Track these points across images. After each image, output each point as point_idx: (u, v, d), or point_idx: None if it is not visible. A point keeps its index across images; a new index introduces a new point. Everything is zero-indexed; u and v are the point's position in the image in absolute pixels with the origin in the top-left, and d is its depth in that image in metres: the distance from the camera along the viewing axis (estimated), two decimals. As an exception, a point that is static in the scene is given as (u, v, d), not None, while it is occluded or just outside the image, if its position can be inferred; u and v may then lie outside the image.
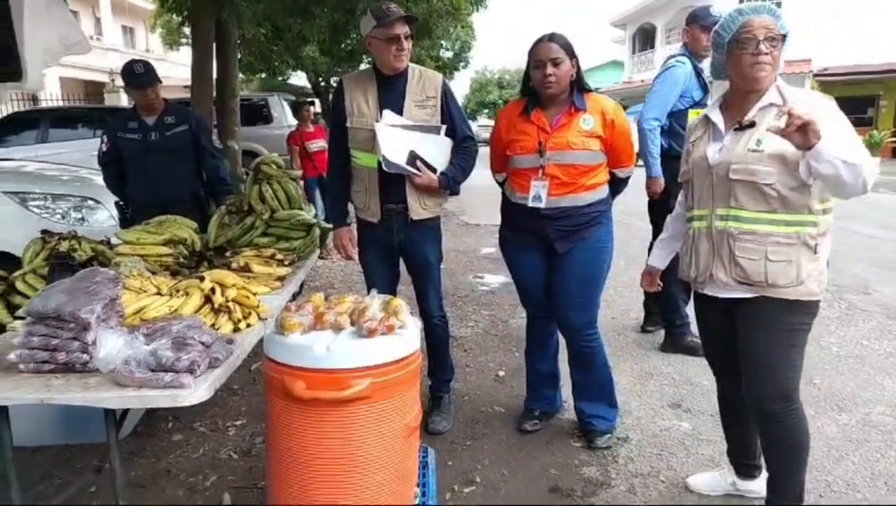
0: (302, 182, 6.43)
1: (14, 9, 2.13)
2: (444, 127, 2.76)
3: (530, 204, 2.55)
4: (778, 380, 1.98)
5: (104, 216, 3.99)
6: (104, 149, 3.48)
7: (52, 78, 19.50)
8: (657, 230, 3.87)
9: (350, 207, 2.95)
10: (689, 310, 3.90)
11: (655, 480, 2.52)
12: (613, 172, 2.65)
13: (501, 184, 2.82)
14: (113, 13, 24.56)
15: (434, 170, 2.75)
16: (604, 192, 2.62)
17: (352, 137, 2.75)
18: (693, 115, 3.55)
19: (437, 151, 2.77)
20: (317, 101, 16.49)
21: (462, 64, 22.48)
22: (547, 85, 2.46)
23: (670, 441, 2.81)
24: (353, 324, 1.70)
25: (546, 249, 2.65)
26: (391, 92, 2.71)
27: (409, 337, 1.71)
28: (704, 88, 3.63)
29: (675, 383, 3.40)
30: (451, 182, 2.80)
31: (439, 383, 3.11)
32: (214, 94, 7.17)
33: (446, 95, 2.78)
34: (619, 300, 4.81)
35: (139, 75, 3.41)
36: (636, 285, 4.12)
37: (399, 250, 2.89)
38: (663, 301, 3.85)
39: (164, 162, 3.47)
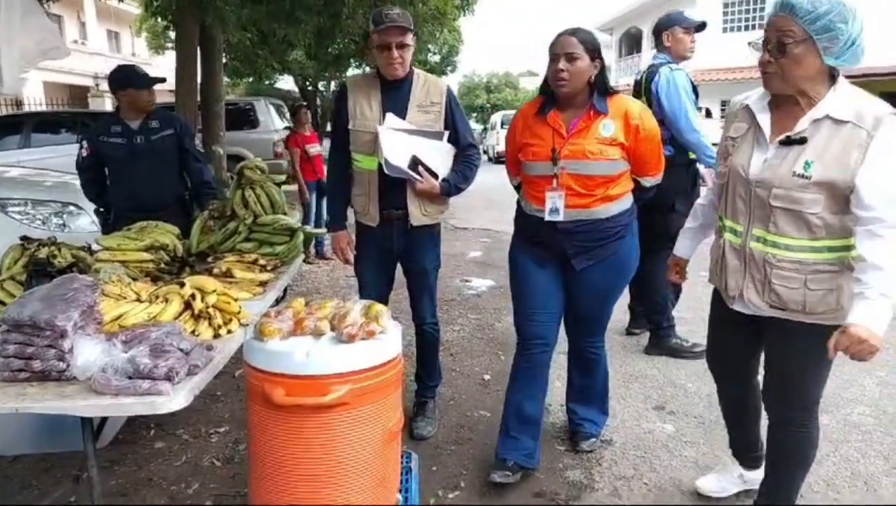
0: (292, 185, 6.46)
1: None
2: (446, 133, 2.74)
3: (547, 217, 2.34)
4: (807, 394, 1.94)
5: (86, 222, 3.95)
6: (84, 154, 3.42)
7: (36, 82, 19.31)
8: (649, 237, 3.85)
9: (350, 211, 2.95)
10: (675, 312, 3.95)
11: (639, 482, 2.53)
12: (637, 180, 2.45)
13: (517, 188, 2.67)
14: (98, 18, 24.38)
15: (436, 176, 2.72)
16: (627, 202, 2.41)
17: (353, 140, 2.74)
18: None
19: (440, 157, 2.75)
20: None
21: (450, 68, 22.52)
22: (558, 82, 2.26)
23: (654, 444, 2.82)
24: (333, 329, 1.70)
25: (563, 265, 2.46)
26: (395, 96, 2.70)
27: (389, 342, 1.71)
28: (695, 90, 3.67)
29: (659, 386, 3.42)
30: (452, 189, 2.78)
31: (425, 388, 3.11)
32: (199, 98, 7.13)
33: (451, 102, 2.76)
34: (605, 303, 4.81)
35: (143, 77, 3.41)
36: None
37: (397, 256, 2.88)
38: (650, 302, 3.87)
39: (150, 167, 3.43)
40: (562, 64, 2.23)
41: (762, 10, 21.06)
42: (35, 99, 17.37)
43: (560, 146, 2.30)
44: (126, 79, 3.37)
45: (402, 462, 2.01)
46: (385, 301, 2.95)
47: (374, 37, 2.61)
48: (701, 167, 3.64)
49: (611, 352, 3.86)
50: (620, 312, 4.37)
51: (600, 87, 2.31)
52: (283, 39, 8.13)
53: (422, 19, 8.28)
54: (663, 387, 3.40)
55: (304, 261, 6.39)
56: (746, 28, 21.50)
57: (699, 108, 3.70)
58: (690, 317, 4.32)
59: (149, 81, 3.40)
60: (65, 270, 2.77)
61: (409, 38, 2.64)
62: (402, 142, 2.66)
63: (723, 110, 20.13)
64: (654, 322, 3.88)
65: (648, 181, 2.46)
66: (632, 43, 28.30)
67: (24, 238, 2.88)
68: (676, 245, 2.32)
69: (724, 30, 21.52)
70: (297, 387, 1.58)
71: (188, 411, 3.18)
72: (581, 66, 2.24)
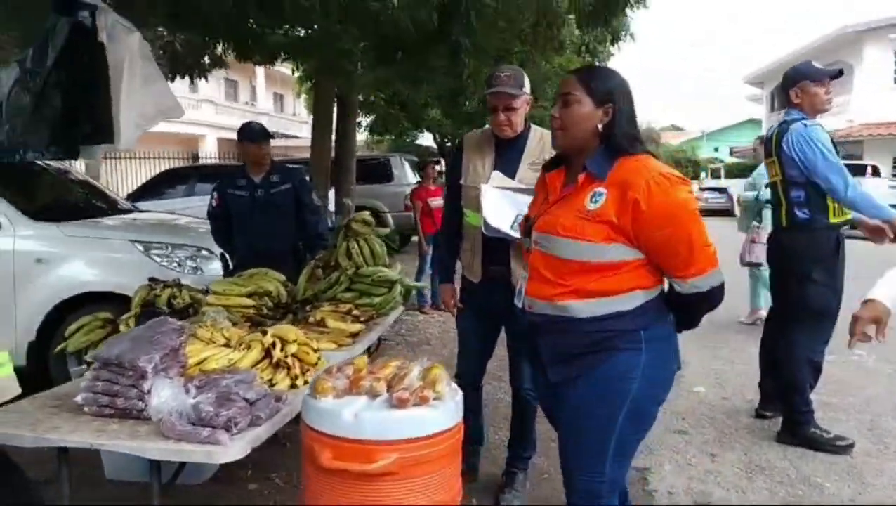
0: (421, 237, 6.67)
1: (113, 83, 2.44)
2: None
3: (516, 301, 1.90)
4: None
5: (217, 266, 4.26)
6: (214, 204, 3.75)
7: (212, 140, 21.96)
8: (784, 308, 3.44)
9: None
10: (815, 395, 3.43)
11: None
12: (671, 284, 1.76)
13: None
14: (266, 82, 27.32)
15: None
16: (628, 302, 1.70)
17: (464, 195, 2.76)
18: None
19: None
20: (442, 160, 17.06)
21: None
22: (552, 133, 1.84)
23: (776, 552, 2.41)
24: (389, 391, 1.63)
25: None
26: (508, 153, 2.69)
27: (445, 411, 1.60)
28: (835, 149, 3.28)
29: (790, 482, 2.94)
30: None
31: (517, 458, 2.92)
32: (333, 154, 7.64)
33: None
34: (735, 378, 4.34)
35: (256, 131, 3.74)
36: (754, 361, 3.72)
37: (499, 314, 2.80)
38: (785, 380, 3.40)
39: (267, 218, 3.68)
40: (555, 109, 1.79)
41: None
42: (210, 153, 19.70)
43: (540, 214, 1.82)
44: (243, 133, 3.72)
45: (464, 541, 1.86)
46: (484, 359, 2.87)
47: (487, 97, 2.64)
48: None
49: (734, 436, 3.47)
50: (752, 390, 3.92)
51: (609, 144, 1.73)
52: (407, 98, 8.52)
53: (544, 78, 8.32)
54: (794, 484, 2.92)
55: (419, 311, 6.52)
56: (923, 78, 19.22)
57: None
58: (836, 402, 3.76)
59: (260, 136, 3.70)
60: (182, 310, 3.00)
61: (518, 102, 2.61)
62: (506, 200, 2.61)
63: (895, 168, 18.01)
64: (788, 405, 3.39)
65: (681, 286, 1.71)
66: (784, 96, 26.45)
67: (152, 279, 3.16)
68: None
69: (898, 80, 19.42)
70: (343, 450, 1.52)
71: (284, 455, 3.27)
72: (579, 112, 1.73)
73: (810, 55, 22.68)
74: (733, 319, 5.88)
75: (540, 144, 2.68)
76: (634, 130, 1.75)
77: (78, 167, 7.85)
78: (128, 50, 2.40)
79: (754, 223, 5.48)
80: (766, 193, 5.47)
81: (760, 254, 5.24)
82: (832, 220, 3.19)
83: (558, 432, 1.90)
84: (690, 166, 35.18)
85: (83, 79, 2.36)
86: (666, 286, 1.77)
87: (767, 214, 5.49)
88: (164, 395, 1.75)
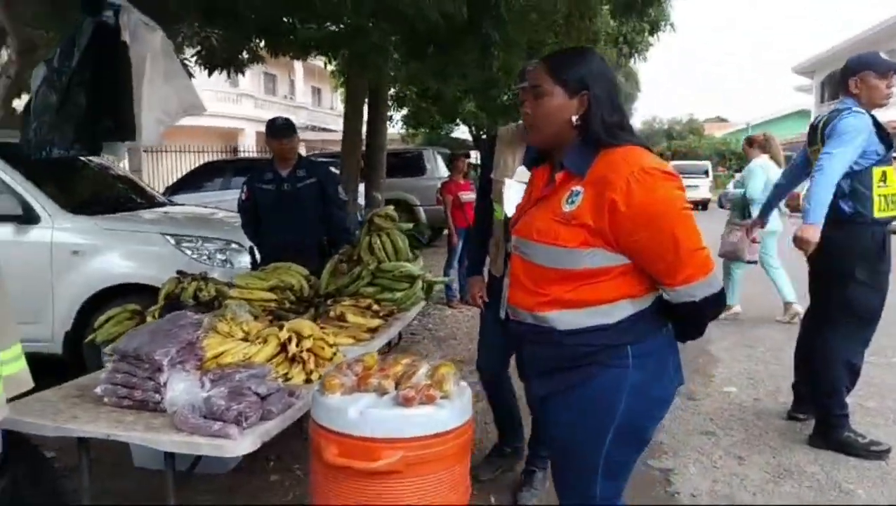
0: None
1: (136, 80, 2.50)
2: None
3: (500, 310, 1.78)
4: None
5: (247, 259, 4.32)
6: (243, 197, 3.82)
7: (251, 134, 22.33)
8: (823, 308, 3.30)
9: None
10: (851, 399, 3.30)
11: None
12: (661, 292, 1.56)
13: None
14: (305, 76, 27.62)
15: None
16: (613, 313, 1.52)
17: (493, 189, 2.76)
18: (878, 173, 3.06)
19: None
20: (473, 153, 16.97)
21: (626, 116, 21.94)
22: (526, 129, 1.69)
23: (802, 562, 2.33)
24: (398, 388, 1.62)
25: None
26: None
27: (453, 410, 1.59)
28: (888, 143, 3.12)
29: (819, 487, 2.84)
30: None
31: (537, 456, 2.89)
32: (364, 147, 7.68)
33: None
34: (768, 379, 4.21)
35: (280, 127, 3.78)
36: (790, 361, 3.60)
37: None
38: (820, 384, 3.27)
39: (293, 211, 3.72)
40: (527, 104, 1.64)
41: None
42: (250, 147, 20.06)
43: (519, 216, 1.67)
44: (268, 128, 3.78)
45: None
46: (506, 353, 2.85)
47: (519, 92, 2.63)
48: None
49: (763, 438, 3.37)
50: (785, 392, 3.80)
51: (587, 136, 1.53)
52: (439, 92, 8.50)
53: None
54: (825, 490, 2.82)
55: (447, 305, 6.52)
56: None
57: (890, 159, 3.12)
58: (874, 406, 3.61)
59: (282, 132, 3.74)
60: (208, 303, 3.05)
61: None
62: None
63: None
64: (823, 408, 3.26)
65: (670, 294, 1.51)
66: (836, 87, 25.48)
67: (180, 272, 3.23)
68: None
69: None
70: (349, 447, 1.52)
71: (307, 448, 3.30)
72: (549, 105, 1.54)
73: (862, 45, 21.83)
74: (770, 317, 5.71)
75: None
76: (616, 117, 1.54)
77: (122, 163, 8.08)
78: (150, 48, 2.47)
79: (746, 221, 5.36)
80: (754, 191, 5.51)
81: (755, 253, 5.45)
82: (877, 214, 3.04)
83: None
84: (734, 159, 34.32)
85: (107, 77, 2.43)
86: None
87: (756, 211, 5.44)
88: (179, 388, 1.78)
